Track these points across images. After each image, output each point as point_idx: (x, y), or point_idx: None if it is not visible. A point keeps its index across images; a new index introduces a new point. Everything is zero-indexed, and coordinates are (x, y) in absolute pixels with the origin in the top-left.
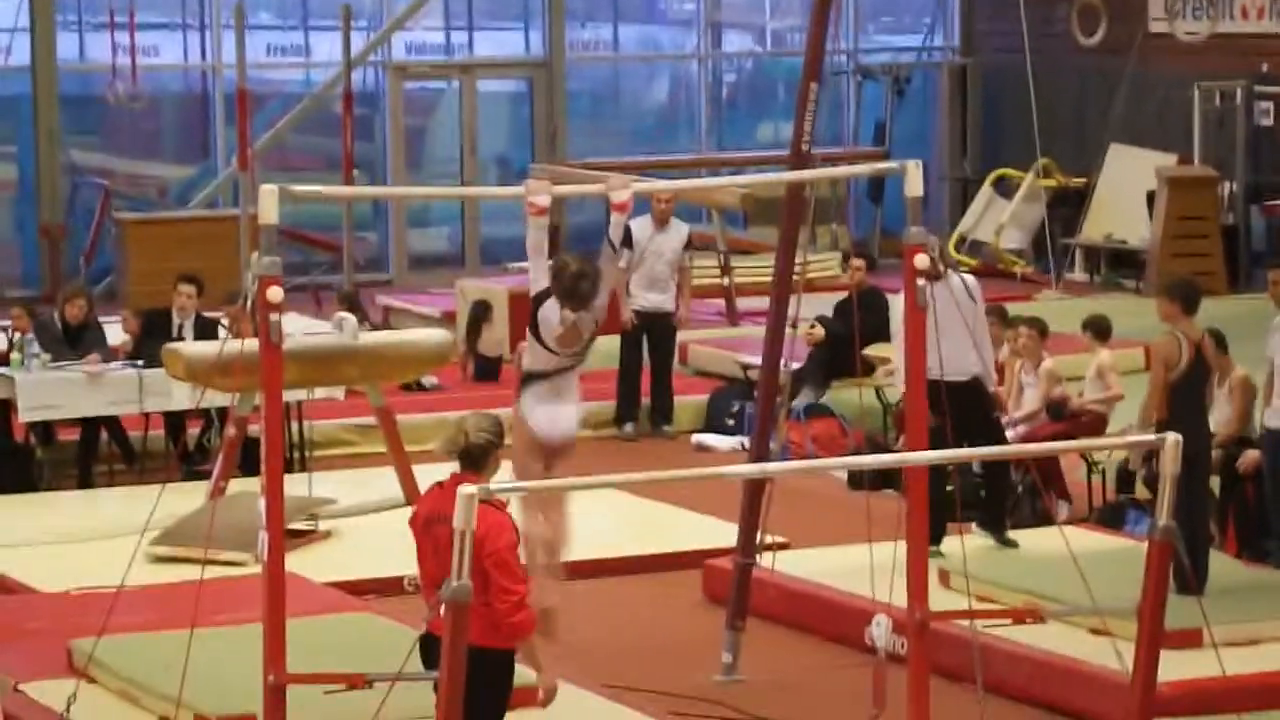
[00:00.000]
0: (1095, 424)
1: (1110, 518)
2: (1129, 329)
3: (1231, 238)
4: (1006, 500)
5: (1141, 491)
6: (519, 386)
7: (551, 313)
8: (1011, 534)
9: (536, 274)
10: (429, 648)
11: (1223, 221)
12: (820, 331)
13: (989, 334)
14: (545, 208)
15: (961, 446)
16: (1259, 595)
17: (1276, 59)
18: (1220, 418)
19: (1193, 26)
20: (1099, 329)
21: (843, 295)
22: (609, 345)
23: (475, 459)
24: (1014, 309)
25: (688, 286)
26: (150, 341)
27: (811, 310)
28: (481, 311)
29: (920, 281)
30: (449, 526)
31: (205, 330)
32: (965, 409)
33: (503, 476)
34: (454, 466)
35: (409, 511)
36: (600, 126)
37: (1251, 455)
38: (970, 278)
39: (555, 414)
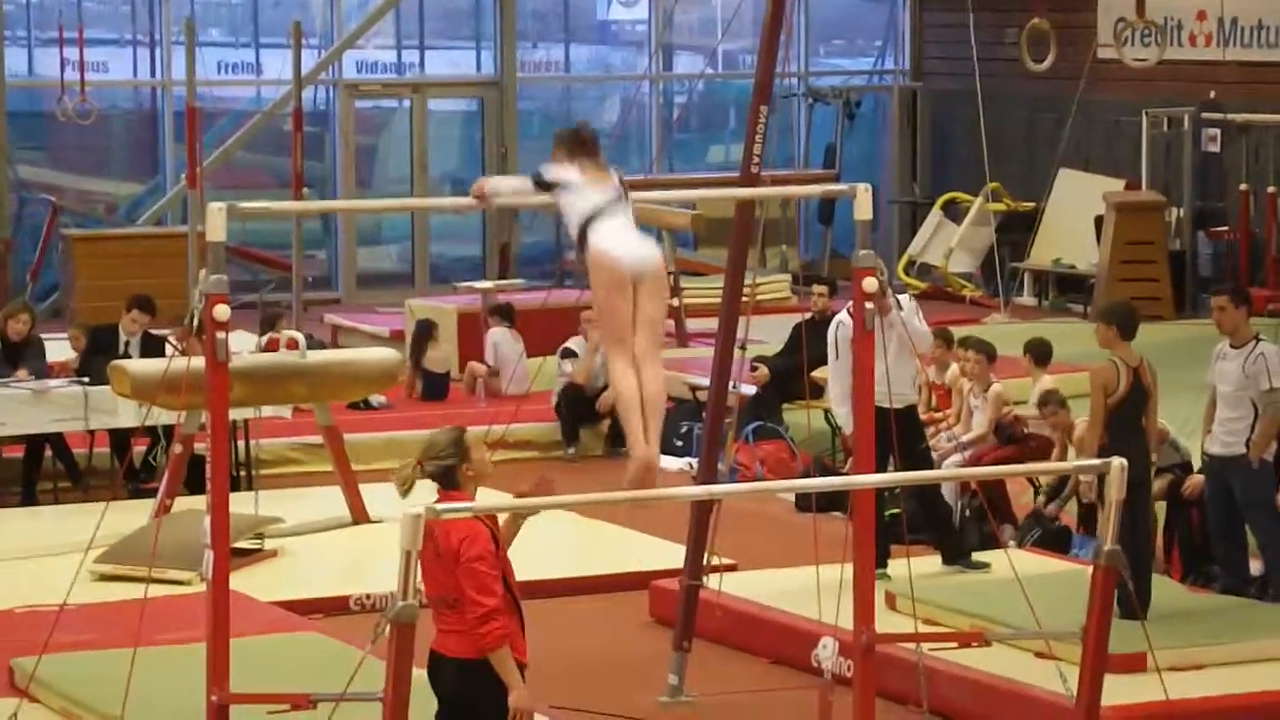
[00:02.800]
0: (1042, 448)
1: (1054, 541)
2: (1077, 353)
3: (1178, 263)
4: (951, 526)
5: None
6: (578, 239)
7: (562, 171)
8: (976, 555)
9: (521, 183)
10: (432, 664)
11: (1170, 247)
12: (764, 372)
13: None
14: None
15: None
16: (1203, 620)
17: (1223, 86)
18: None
19: (1141, 53)
20: (1038, 353)
21: (807, 316)
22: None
23: (447, 477)
24: (962, 332)
25: None
26: (96, 358)
27: (760, 332)
28: (426, 330)
29: (869, 305)
30: (431, 542)
31: (152, 348)
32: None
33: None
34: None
35: (356, 530)
36: (551, 146)
37: (1195, 480)
38: (905, 297)
39: (629, 235)
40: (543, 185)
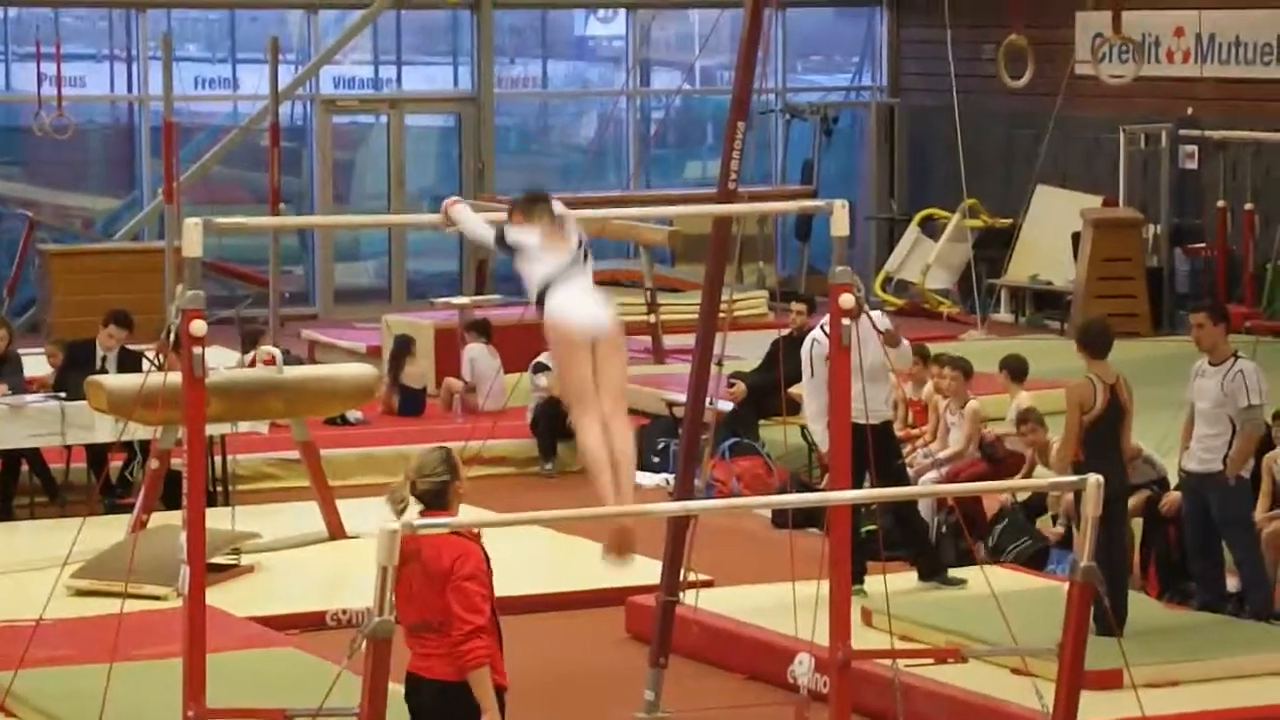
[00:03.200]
0: (1017, 465)
1: (1031, 558)
2: (1053, 370)
3: (1155, 280)
4: (927, 542)
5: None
6: (536, 302)
7: (521, 234)
8: (952, 572)
9: (485, 230)
10: (409, 686)
11: (1147, 264)
12: (741, 388)
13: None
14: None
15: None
16: (1179, 637)
17: (1201, 103)
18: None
19: (1118, 70)
20: (1015, 369)
21: (785, 332)
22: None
23: (432, 501)
24: (939, 349)
25: None
26: (73, 373)
27: (737, 348)
28: (404, 346)
29: (845, 321)
30: (419, 564)
31: (129, 363)
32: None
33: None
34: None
35: (332, 546)
36: (528, 162)
37: (1173, 497)
38: (878, 314)
39: (585, 298)
40: (504, 245)
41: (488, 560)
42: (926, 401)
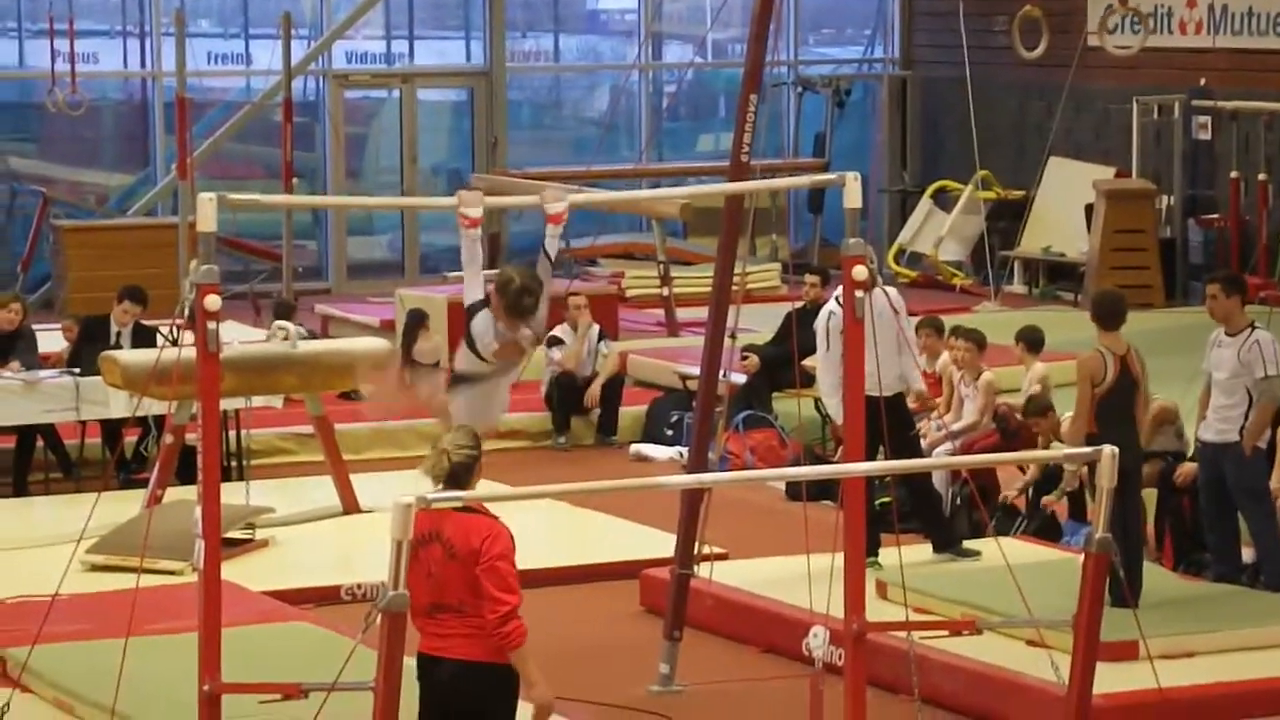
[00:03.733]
0: (1031, 437)
1: (1047, 530)
2: (1066, 341)
3: (1169, 251)
4: (942, 514)
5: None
6: (449, 382)
7: (487, 326)
8: (967, 543)
9: (470, 285)
10: (423, 667)
11: (1160, 235)
12: (754, 360)
13: (916, 345)
14: (478, 220)
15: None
16: (1194, 608)
17: (1214, 73)
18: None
19: (1124, 41)
20: (1031, 341)
21: (799, 305)
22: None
23: (458, 476)
24: (952, 321)
25: (609, 367)
26: (88, 349)
27: (750, 321)
28: (417, 319)
29: (858, 293)
30: (440, 544)
31: (143, 338)
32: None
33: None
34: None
35: (347, 520)
36: (541, 136)
37: (1188, 468)
38: (892, 290)
39: (484, 416)
40: (472, 309)
41: (513, 540)
42: (940, 373)
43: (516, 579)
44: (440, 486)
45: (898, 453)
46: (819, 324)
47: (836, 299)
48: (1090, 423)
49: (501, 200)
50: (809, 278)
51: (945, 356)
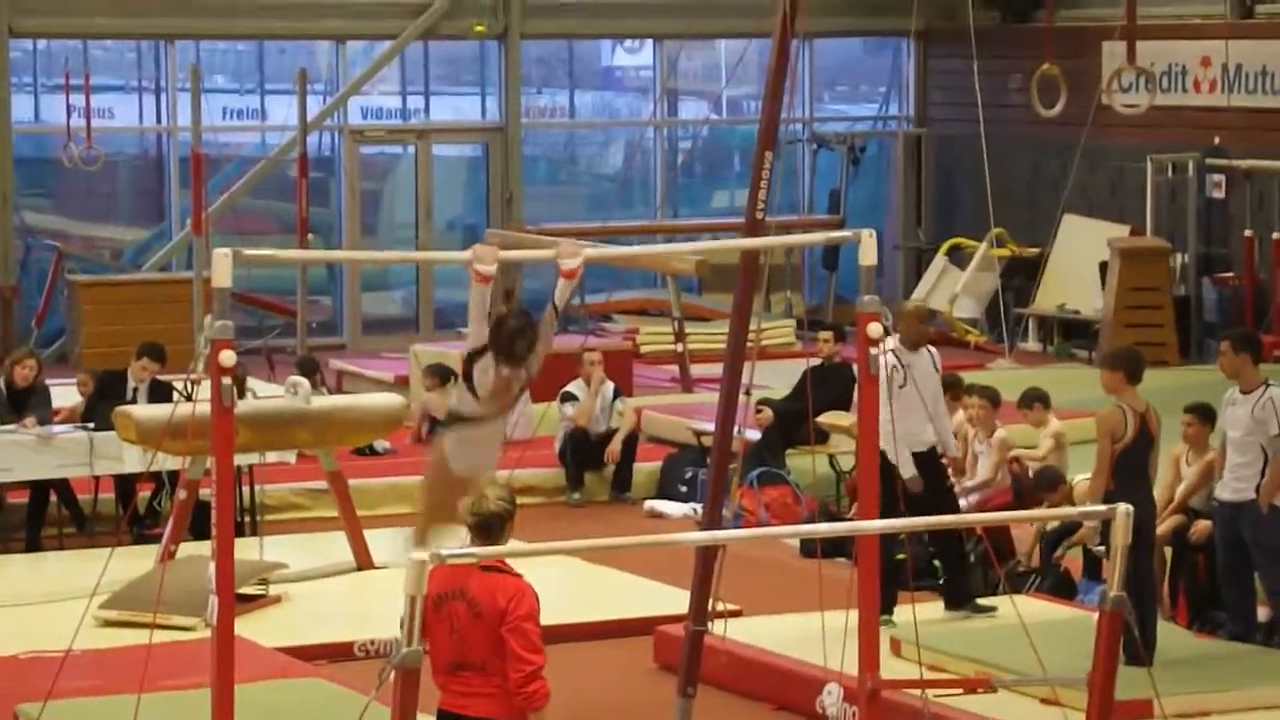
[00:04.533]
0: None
1: (1061, 587)
2: (1081, 399)
3: (1183, 308)
4: (965, 570)
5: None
6: (445, 423)
7: (487, 368)
8: (982, 600)
9: (475, 334)
10: None
11: (1175, 293)
12: (768, 414)
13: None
14: (490, 275)
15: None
16: (1209, 666)
17: (1228, 132)
18: (1181, 486)
19: (1132, 99)
20: (1040, 398)
21: (814, 361)
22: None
23: (490, 527)
24: (967, 378)
25: (627, 424)
26: (103, 404)
27: (765, 377)
28: (444, 374)
29: (873, 351)
30: (464, 602)
31: (160, 394)
32: (926, 478)
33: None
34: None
35: (360, 576)
36: (556, 192)
37: (1203, 525)
38: (934, 350)
39: (474, 458)
40: (475, 354)
41: (538, 600)
42: (957, 431)
43: (541, 640)
44: (469, 538)
45: (935, 507)
46: (882, 369)
47: (894, 350)
48: (1109, 480)
49: (517, 254)
50: (822, 334)
51: (961, 414)
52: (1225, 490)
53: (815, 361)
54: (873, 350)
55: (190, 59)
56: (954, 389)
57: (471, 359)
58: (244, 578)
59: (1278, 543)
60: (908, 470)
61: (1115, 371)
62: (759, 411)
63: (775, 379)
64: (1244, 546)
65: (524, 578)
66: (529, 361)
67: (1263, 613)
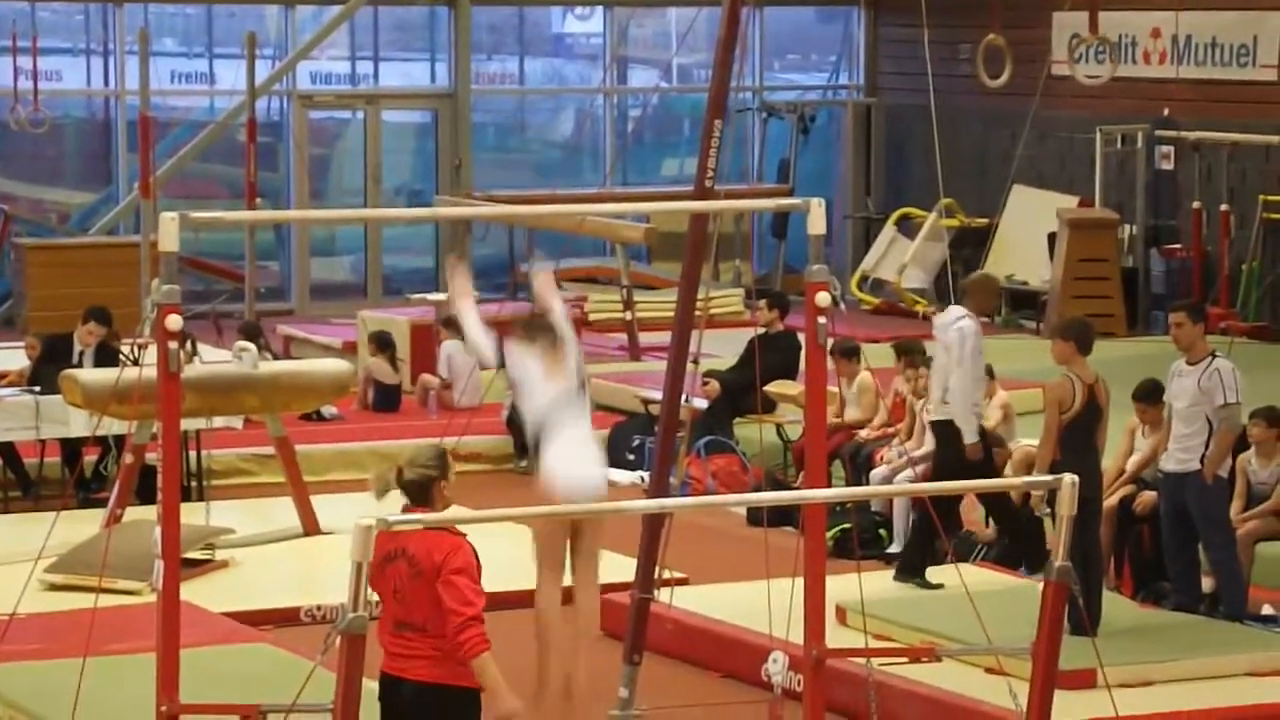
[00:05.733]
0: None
1: (1006, 556)
2: (1029, 369)
3: (1131, 280)
4: (929, 548)
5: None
6: (530, 450)
7: (521, 360)
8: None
9: (484, 342)
10: (384, 687)
11: (1123, 264)
12: (715, 386)
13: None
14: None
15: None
16: (1153, 636)
17: (1177, 104)
18: (1134, 457)
19: (1094, 70)
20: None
21: (760, 330)
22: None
23: (415, 495)
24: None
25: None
26: (49, 367)
27: (713, 346)
28: (384, 342)
29: (821, 320)
30: (405, 561)
31: (107, 358)
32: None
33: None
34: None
35: (307, 542)
36: (505, 159)
37: (1147, 497)
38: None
39: (579, 457)
40: (502, 367)
41: (478, 558)
42: (902, 400)
43: (477, 593)
44: (381, 493)
45: (986, 476)
46: (949, 335)
47: (965, 311)
48: (1055, 449)
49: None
50: (759, 302)
51: (899, 381)
52: (1170, 461)
53: (760, 330)
54: (819, 320)
55: (139, 22)
56: (910, 354)
57: (502, 362)
58: (190, 542)
59: (1221, 513)
60: (973, 436)
61: (1066, 342)
62: (705, 384)
63: (723, 348)
64: (1188, 517)
65: (465, 537)
66: (555, 323)
67: (1206, 583)
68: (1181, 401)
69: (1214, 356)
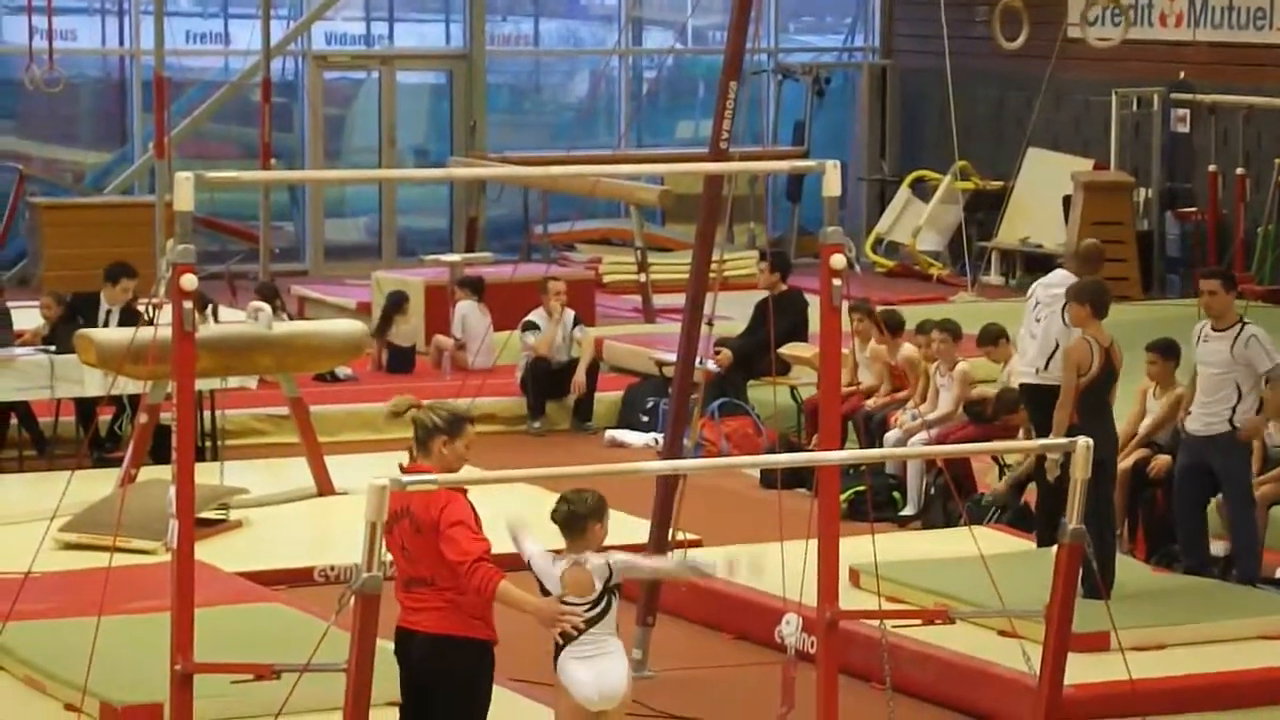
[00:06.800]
0: (1005, 427)
1: (1020, 519)
2: None
3: (1146, 243)
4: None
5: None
6: (554, 655)
7: (547, 565)
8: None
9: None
10: (399, 641)
11: (1138, 227)
12: (727, 355)
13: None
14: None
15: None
16: (1166, 599)
17: (1193, 67)
18: (1146, 420)
19: (1106, 33)
20: (994, 336)
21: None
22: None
23: (418, 439)
24: (930, 311)
25: (587, 352)
26: (72, 326)
27: (727, 308)
28: (396, 302)
29: (835, 281)
30: (409, 519)
31: (131, 319)
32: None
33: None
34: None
35: (321, 502)
36: (520, 120)
37: (1161, 460)
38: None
39: (600, 669)
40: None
41: (474, 510)
42: (903, 366)
43: (478, 538)
44: (394, 413)
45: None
46: (1035, 295)
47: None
48: (1073, 411)
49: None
50: (760, 265)
51: (908, 348)
52: (1195, 423)
53: (770, 293)
54: (835, 281)
55: None
56: (894, 328)
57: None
58: (204, 502)
59: (1246, 476)
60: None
61: (1082, 305)
62: (717, 353)
63: (737, 310)
64: (1204, 480)
65: (460, 491)
66: (593, 539)
67: (1219, 546)
68: (1213, 367)
69: (1244, 323)
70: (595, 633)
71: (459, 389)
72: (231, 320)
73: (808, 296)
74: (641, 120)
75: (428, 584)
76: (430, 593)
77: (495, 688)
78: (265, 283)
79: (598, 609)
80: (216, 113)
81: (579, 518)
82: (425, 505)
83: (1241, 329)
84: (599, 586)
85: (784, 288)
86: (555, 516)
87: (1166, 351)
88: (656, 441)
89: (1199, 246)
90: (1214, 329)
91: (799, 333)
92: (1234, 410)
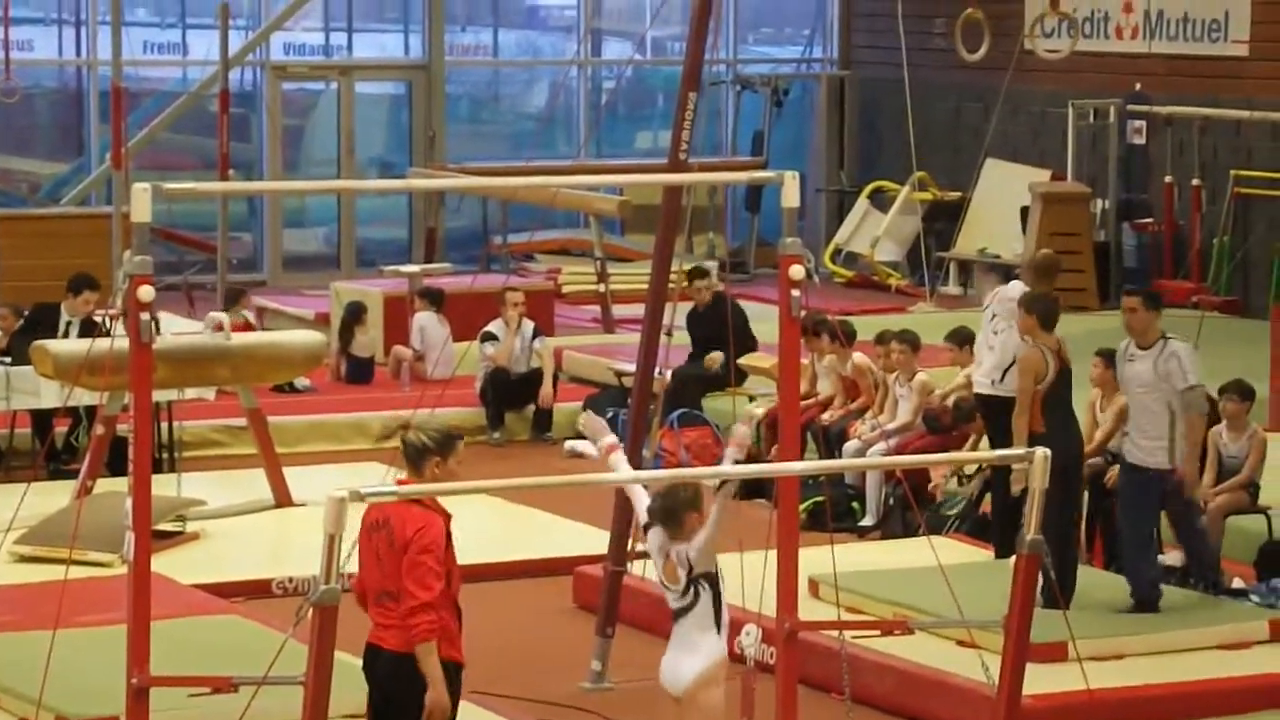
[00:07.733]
0: (964, 436)
1: (978, 528)
2: None
3: (1103, 254)
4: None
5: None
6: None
7: (654, 539)
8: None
9: (639, 501)
10: (368, 658)
11: (1095, 238)
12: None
13: None
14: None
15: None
16: (1124, 609)
17: (1149, 79)
18: (1098, 432)
19: (1055, 45)
20: (962, 339)
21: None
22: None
23: (409, 459)
24: (888, 321)
25: (549, 364)
26: (25, 339)
27: (685, 319)
28: (356, 313)
29: (794, 292)
30: (386, 531)
31: (91, 330)
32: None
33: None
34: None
35: (279, 513)
36: (479, 130)
37: (1116, 471)
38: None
39: (675, 663)
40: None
41: (449, 535)
42: (853, 377)
43: (437, 576)
44: (385, 436)
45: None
46: (991, 310)
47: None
48: (1036, 419)
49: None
50: (698, 282)
51: (856, 358)
52: (1134, 451)
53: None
54: (794, 293)
55: None
56: (846, 337)
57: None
58: (161, 514)
59: (1189, 509)
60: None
61: (1029, 315)
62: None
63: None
64: (1147, 508)
65: (438, 513)
66: (688, 529)
67: (1175, 556)
68: (1140, 388)
69: (1167, 339)
70: (685, 623)
71: (418, 400)
72: (188, 331)
73: (767, 307)
74: (601, 131)
75: (395, 598)
76: (397, 608)
77: (463, 702)
78: (233, 286)
79: (685, 600)
80: (174, 123)
81: (672, 511)
82: (403, 522)
83: (1165, 345)
84: (682, 578)
85: (708, 298)
86: (651, 513)
87: (1112, 359)
88: None
89: (1156, 257)
90: (1138, 347)
91: (741, 335)
92: (1169, 435)
